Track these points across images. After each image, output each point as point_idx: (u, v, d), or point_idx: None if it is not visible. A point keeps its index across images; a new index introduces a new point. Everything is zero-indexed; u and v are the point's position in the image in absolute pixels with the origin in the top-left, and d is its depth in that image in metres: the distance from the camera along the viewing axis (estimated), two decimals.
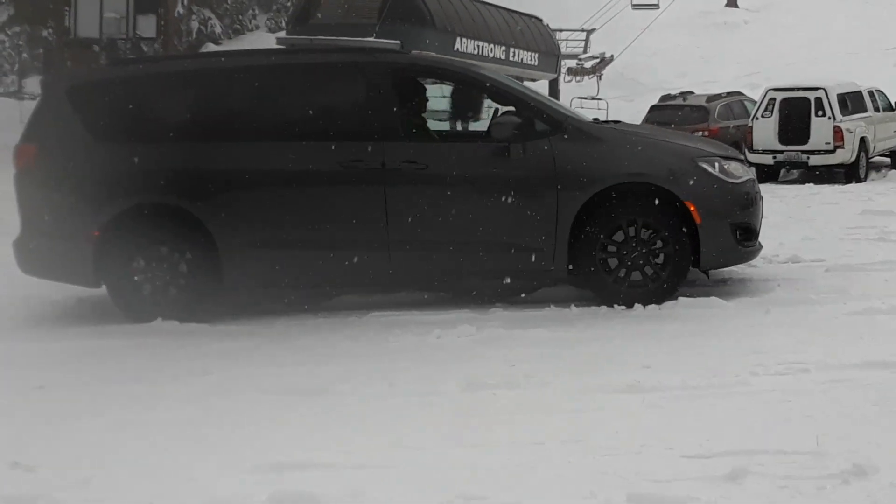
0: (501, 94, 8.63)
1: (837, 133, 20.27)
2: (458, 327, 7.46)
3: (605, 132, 8.45)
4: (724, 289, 8.59)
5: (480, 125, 9.32)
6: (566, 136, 8.22)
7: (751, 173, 8.69)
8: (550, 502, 4.21)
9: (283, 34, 28.72)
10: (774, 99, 21.03)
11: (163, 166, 8.33)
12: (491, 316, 7.96)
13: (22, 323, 8.49)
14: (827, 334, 6.86)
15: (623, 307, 8.02)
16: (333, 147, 8.26)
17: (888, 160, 23.02)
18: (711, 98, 23.82)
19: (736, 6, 45.28)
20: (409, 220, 8.20)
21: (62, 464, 4.89)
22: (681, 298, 8.04)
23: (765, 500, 4.15)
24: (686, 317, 7.62)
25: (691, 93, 25.26)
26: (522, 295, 8.49)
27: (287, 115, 8.49)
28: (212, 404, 5.87)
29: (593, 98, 31.38)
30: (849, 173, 20.36)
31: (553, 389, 5.86)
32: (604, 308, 8.07)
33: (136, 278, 8.31)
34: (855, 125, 20.70)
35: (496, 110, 8.69)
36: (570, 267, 8.17)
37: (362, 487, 4.40)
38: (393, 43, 21.91)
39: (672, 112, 22.86)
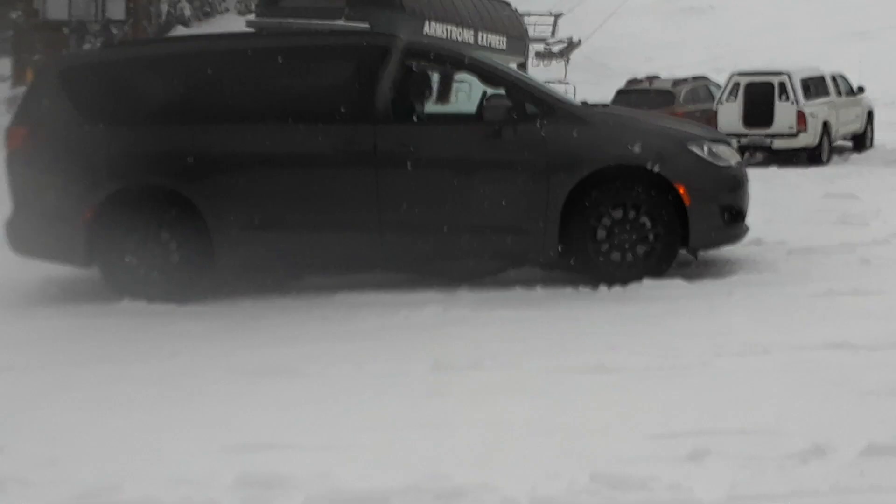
0: (493, 76, 8.66)
1: (800, 117, 20.44)
2: (426, 308, 7.51)
3: (596, 115, 8.52)
4: (686, 271, 8.66)
5: (468, 108, 9.30)
6: (557, 119, 8.27)
7: (738, 156, 8.78)
8: (516, 482, 4.25)
9: (252, 17, 28.58)
10: (739, 83, 21.17)
11: (155, 148, 8.37)
12: (458, 297, 8.01)
13: None
14: (788, 316, 6.95)
15: (589, 289, 8.09)
16: (326, 130, 8.30)
17: (850, 144, 23.23)
18: (677, 82, 23.90)
19: None
20: (401, 202, 8.25)
21: (30, 444, 4.90)
22: (645, 280, 8.12)
23: (726, 479, 4.20)
24: (650, 298, 7.70)
25: (657, 77, 25.33)
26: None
27: (280, 98, 8.52)
28: (180, 384, 5.90)
29: (561, 82, 31.40)
30: (811, 157, 20.54)
31: (519, 370, 5.91)
32: (569, 289, 8.14)
33: (127, 259, 8.33)
34: (818, 109, 20.88)
35: (485, 93, 8.73)
36: (561, 248, 8.23)
37: (330, 468, 4.43)
38: (362, 26, 21.86)
39: (638, 96, 22.92)
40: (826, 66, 23.40)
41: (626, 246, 8.24)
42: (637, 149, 8.23)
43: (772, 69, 21.60)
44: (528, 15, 35.40)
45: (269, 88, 8.56)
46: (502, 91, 8.46)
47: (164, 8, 40.16)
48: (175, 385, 5.88)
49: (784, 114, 20.51)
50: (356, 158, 8.25)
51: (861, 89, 23.66)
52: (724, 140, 8.93)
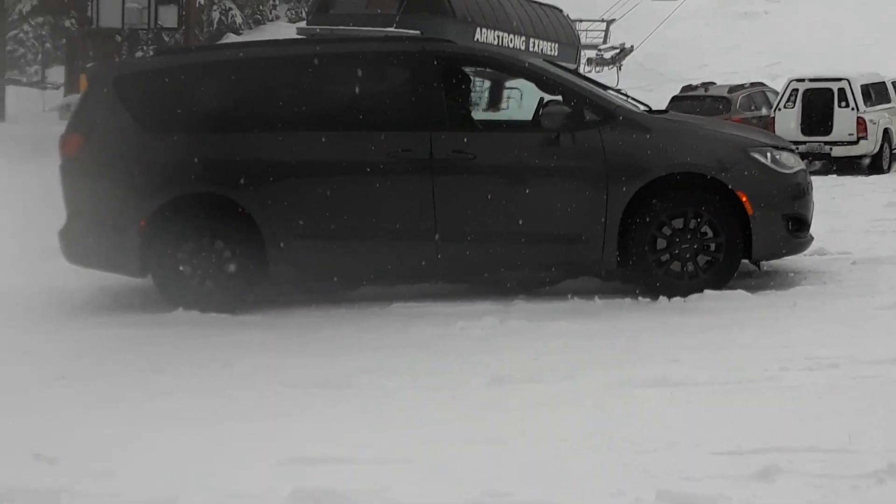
0: (551, 83, 8.53)
1: (861, 124, 20.13)
2: (482, 319, 7.41)
3: (656, 122, 8.39)
4: (749, 282, 8.48)
5: (523, 114, 9.20)
6: (616, 126, 8.14)
7: (802, 164, 8.59)
8: (578, 499, 4.13)
9: (303, 24, 28.71)
10: (797, 90, 20.90)
11: (209, 156, 8.33)
12: (514, 307, 7.90)
13: (43, 313, 8.44)
14: (855, 328, 6.79)
15: (649, 300, 7.95)
16: (381, 137, 8.21)
17: None
18: (733, 89, 23.65)
19: None
20: (458, 210, 8.16)
21: (84, 456, 4.84)
22: (706, 291, 7.95)
23: (798, 498, 4.07)
24: (712, 310, 7.54)
25: (713, 83, 25.09)
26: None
27: (335, 105, 8.47)
28: (233, 396, 5.83)
29: (612, 89, 31.17)
30: (872, 164, 20.23)
31: (578, 383, 5.79)
32: (628, 300, 8.00)
33: (181, 268, 8.28)
34: (878, 116, 20.56)
35: (542, 99, 8.61)
36: (619, 258, 8.09)
37: (386, 483, 4.33)
38: (413, 33, 21.87)
39: (694, 103, 22.68)
40: (886, 72, 23.04)
41: (687, 256, 8.07)
42: (698, 156, 8.07)
43: (831, 75, 21.30)
44: (580, 21, 35.33)
45: (324, 95, 8.51)
46: (559, 97, 8.34)
47: (216, 15, 40.53)
48: (228, 397, 5.82)
49: (844, 120, 20.20)
50: (412, 166, 8.16)
51: None
52: (787, 147, 8.74)
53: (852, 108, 20.26)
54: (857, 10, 41.01)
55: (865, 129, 20.11)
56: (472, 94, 8.82)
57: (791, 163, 8.38)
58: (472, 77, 8.86)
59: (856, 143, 20.12)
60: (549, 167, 8.15)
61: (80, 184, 8.50)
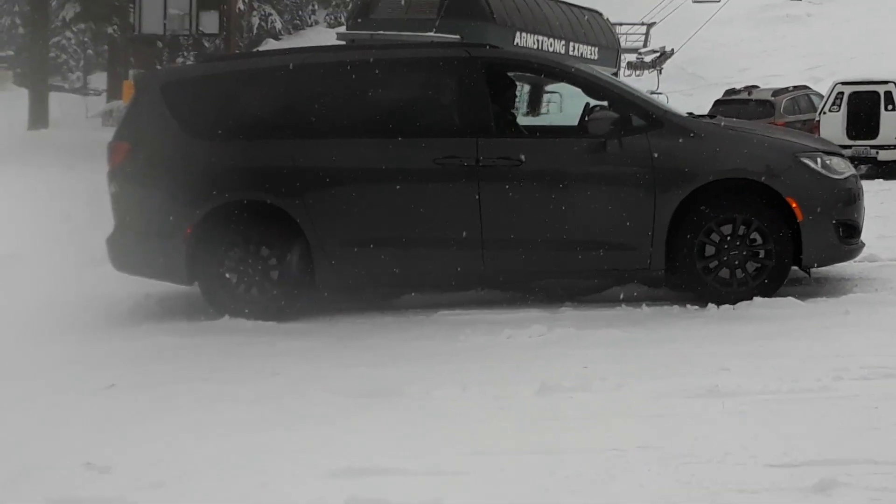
0: (597, 88, 8.47)
1: None
2: (529, 327, 7.35)
3: (704, 127, 8.30)
4: (799, 289, 8.38)
5: (564, 119, 9.14)
6: (663, 132, 8.07)
7: (853, 169, 8.49)
8: None
9: (342, 30, 28.79)
10: (843, 93, 20.70)
11: (256, 163, 8.32)
12: (561, 315, 7.84)
13: (91, 321, 8.48)
14: None
15: (697, 307, 7.87)
16: (427, 143, 8.18)
17: None
18: (777, 92, 23.48)
19: None
20: (504, 217, 8.10)
21: (136, 465, 4.85)
22: (755, 299, 7.86)
23: None
24: (762, 317, 7.44)
25: (756, 87, 24.93)
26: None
27: (380, 111, 8.44)
28: (283, 405, 5.81)
29: (653, 93, 31.05)
30: None
31: (629, 393, 5.72)
32: (676, 307, 7.92)
33: (227, 276, 8.28)
34: None
35: (587, 104, 8.56)
36: (667, 265, 8.03)
37: (440, 494, 4.31)
38: (452, 38, 21.87)
39: (737, 106, 22.54)
40: None
41: (736, 263, 7.98)
42: (747, 162, 7.99)
43: (877, 78, 21.08)
44: (620, 24, 35.20)
45: (371, 101, 8.47)
46: (605, 103, 8.28)
47: (256, 21, 40.74)
48: (276, 406, 5.80)
49: (890, 124, 19.98)
50: (459, 172, 8.12)
51: None
52: (838, 152, 8.60)
53: None
54: None
55: None
56: (518, 100, 8.76)
57: (841, 168, 8.27)
58: (517, 82, 8.80)
59: None
60: (597, 173, 8.09)
61: (127, 191, 8.53)
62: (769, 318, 7.38)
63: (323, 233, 8.23)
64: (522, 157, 8.11)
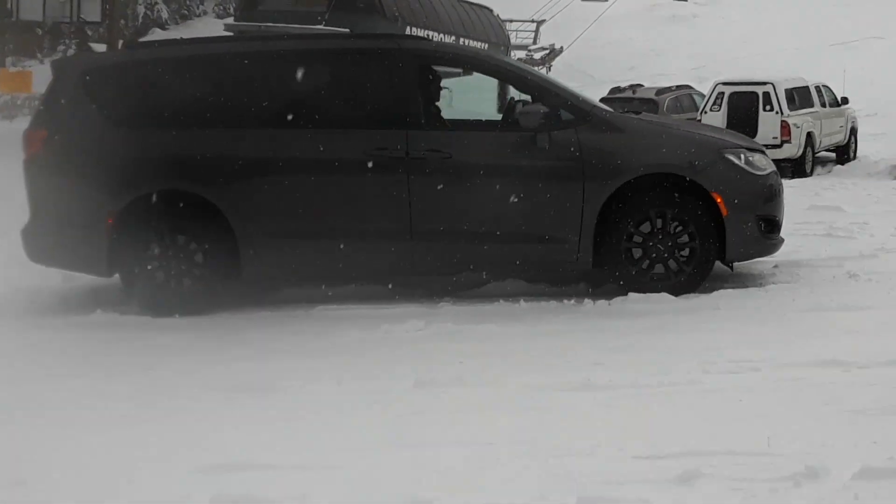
0: (526, 82, 8.49)
1: (784, 127, 20.43)
2: (407, 322, 7.36)
3: (631, 122, 8.40)
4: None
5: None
6: (592, 126, 8.13)
7: (773, 166, 8.66)
8: None
9: (230, 20, 28.43)
10: (723, 93, 21.17)
11: (180, 153, 8.14)
12: (440, 310, 7.87)
13: None
14: (777, 331, 6.83)
15: (574, 302, 7.96)
16: (356, 135, 8.11)
17: (833, 155, 23.22)
18: (661, 91, 23.87)
19: (685, 0, 45.52)
20: (433, 209, 8.07)
21: None
22: (630, 294, 7.99)
23: (718, 502, 4.08)
24: (636, 312, 7.56)
25: (641, 85, 25.31)
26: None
27: (308, 102, 8.32)
28: (154, 401, 5.72)
29: None
30: (795, 168, 20.52)
31: (503, 387, 5.77)
32: (553, 302, 8.01)
33: (150, 268, 8.10)
34: (802, 120, 20.87)
35: (511, 99, 8.57)
36: (595, 258, 8.09)
37: (308, 490, 4.28)
38: (342, 31, 21.76)
39: (621, 105, 22.80)
40: (811, 77, 23.42)
41: (664, 256, 8.10)
42: (673, 157, 8.10)
43: (756, 79, 21.60)
44: (511, 21, 35.41)
45: (298, 92, 8.32)
46: (528, 97, 8.32)
47: (141, 10, 39.93)
48: (148, 402, 5.71)
49: (768, 124, 20.50)
50: (388, 164, 8.05)
51: (845, 100, 23.67)
52: (759, 149, 8.75)
53: (776, 112, 20.56)
54: (784, 15, 41.66)
55: (789, 133, 20.43)
56: (444, 93, 8.73)
57: (763, 164, 8.43)
58: (442, 76, 8.78)
59: (779, 146, 20.40)
60: (526, 167, 8.09)
61: (44, 181, 8.25)
62: (643, 314, 7.50)
63: (249, 224, 8.08)
64: (452, 149, 8.08)
